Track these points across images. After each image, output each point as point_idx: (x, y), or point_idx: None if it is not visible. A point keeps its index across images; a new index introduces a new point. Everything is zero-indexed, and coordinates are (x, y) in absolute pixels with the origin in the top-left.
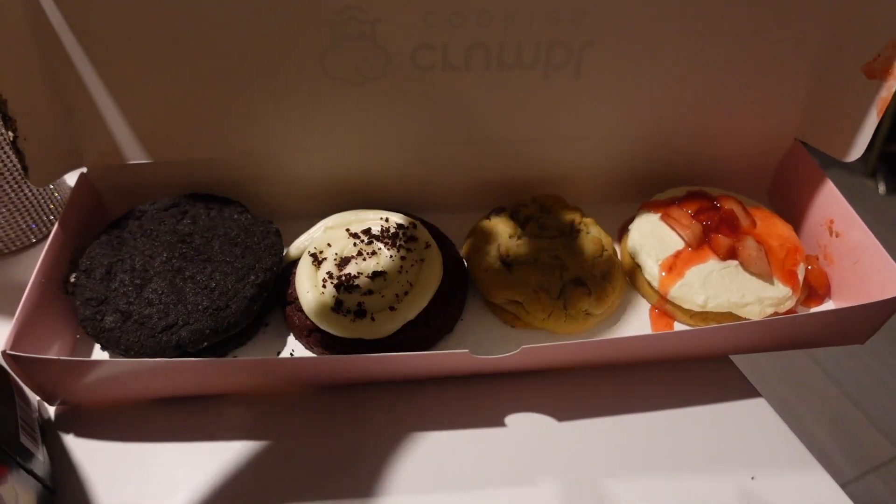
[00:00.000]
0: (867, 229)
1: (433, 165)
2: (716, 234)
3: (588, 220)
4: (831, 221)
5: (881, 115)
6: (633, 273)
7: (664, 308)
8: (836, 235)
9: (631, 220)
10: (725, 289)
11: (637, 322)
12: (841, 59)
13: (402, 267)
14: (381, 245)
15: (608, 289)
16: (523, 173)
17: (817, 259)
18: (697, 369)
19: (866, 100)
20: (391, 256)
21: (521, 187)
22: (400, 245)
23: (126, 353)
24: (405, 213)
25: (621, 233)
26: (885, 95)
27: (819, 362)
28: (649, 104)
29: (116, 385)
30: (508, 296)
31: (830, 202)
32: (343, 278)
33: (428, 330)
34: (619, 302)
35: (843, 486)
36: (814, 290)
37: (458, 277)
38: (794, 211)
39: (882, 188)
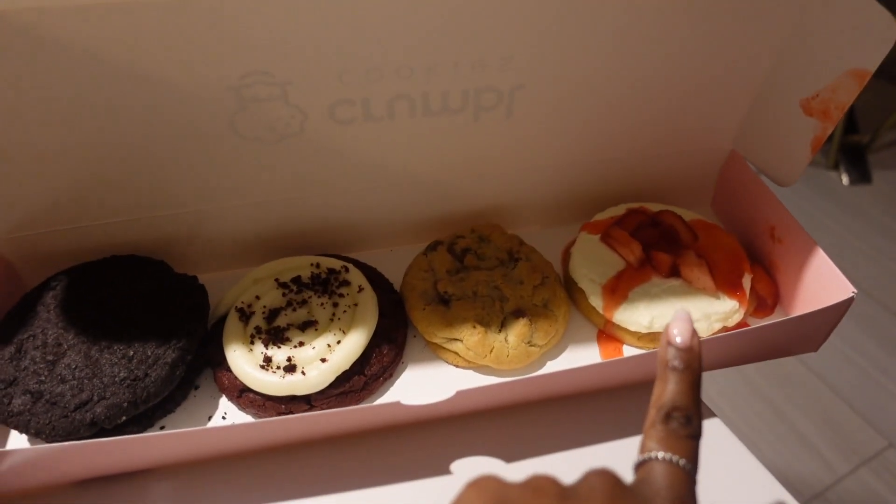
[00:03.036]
0: (806, 233)
1: (365, 208)
2: (657, 252)
3: (527, 248)
4: (773, 228)
5: (814, 152)
6: (577, 298)
7: (611, 332)
8: (779, 242)
9: (573, 242)
10: (671, 307)
11: (585, 348)
12: (783, 87)
13: (333, 315)
14: (311, 293)
15: (551, 317)
16: (461, 207)
17: (763, 268)
18: (647, 394)
19: (803, 133)
20: (322, 304)
21: (460, 220)
22: (332, 291)
23: (37, 436)
24: (338, 256)
25: (564, 256)
26: (818, 134)
27: (804, 361)
28: (586, 131)
29: (32, 472)
30: (448, 334)
31: (770, 208)
32: (272, 332)
33: (364, 378)
34: (565, 329)
35: (838, 481)
36: (762, 299)
37: (396, 319)
38: (737, 220)
39: (846, 179)
